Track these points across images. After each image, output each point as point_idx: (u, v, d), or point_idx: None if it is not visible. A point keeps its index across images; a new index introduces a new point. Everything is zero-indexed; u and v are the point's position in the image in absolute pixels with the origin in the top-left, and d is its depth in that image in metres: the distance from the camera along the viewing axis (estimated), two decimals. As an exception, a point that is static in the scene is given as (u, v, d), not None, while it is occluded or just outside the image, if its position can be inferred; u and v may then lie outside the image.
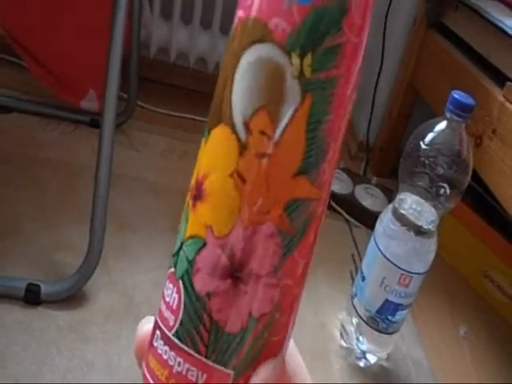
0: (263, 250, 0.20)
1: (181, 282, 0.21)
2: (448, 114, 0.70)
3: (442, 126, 0.72)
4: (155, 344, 0.22)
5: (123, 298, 0.82)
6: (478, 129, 0.90)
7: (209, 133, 0.21)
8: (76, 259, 0.80)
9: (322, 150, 0.20)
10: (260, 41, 0.19)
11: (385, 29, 1.25)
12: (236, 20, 0.20)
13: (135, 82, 1.24)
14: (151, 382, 0.22)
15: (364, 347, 0.83)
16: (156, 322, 0.22)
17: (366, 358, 0.83)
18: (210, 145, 0.20)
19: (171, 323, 0.21)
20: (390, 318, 0.79)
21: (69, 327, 0.76)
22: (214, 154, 0.20)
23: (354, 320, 0.83)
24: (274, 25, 0.18)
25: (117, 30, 0.78)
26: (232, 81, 0.20)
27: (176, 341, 0.21)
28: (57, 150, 1.11)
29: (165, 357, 0.21)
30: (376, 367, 0.83)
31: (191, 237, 0.21)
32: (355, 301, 0.83)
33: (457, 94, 0.70)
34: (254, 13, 0.19)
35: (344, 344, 0.85)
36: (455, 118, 0.70)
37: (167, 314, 0.21)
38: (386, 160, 1.35)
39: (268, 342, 0.21)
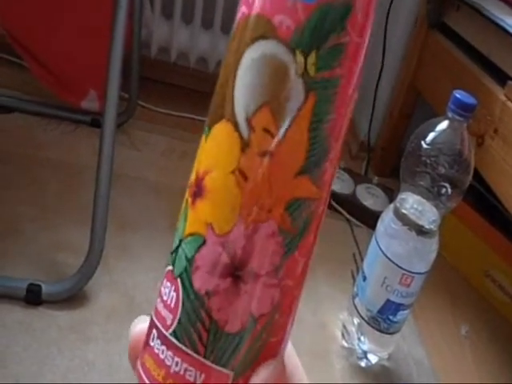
0: (264, 248, 0.19)
1: (179, 280, 0.20)
2: (450, 114, 0.70)
3: (443, 125, 0.72)
4: (151, 343, 0.21)
5: (124, 298, 0.82)
6: (479, 128, 0.90)
7: (209, 129, 0.20)
8: (77, 259, 0.80)
9: (324, 150, 0.19)
10: (264, 37, 0.19)
11: (386, 28, 1.25)
12: (238, 16, 0.20)
13: (136, 82, 1.24)
14: (147, 382, 0.21)
15: (365, 347, 0.83)
16: (152, 321, 0.22)
17: (367, 358, 0.83)
18: (210, 141, 0.20)
19: (169, 322, 0.21)
20: (391, 317, 0.79)
21: (70, 327, 0.76)
22: (215, 150, 0.20)
23: (356, 320, 0.83)
24: (278, 21, 0.18)
25: (118, 30, 0.78)
26: (234, 77, 0.19)
27: (174, 340, 0.20)
28: (57, 150, 1.11)
29: (162, 356, 0.21)
30: (377, 367, 0.83)
31: (190, 234, 0.20)
32: (356, 301, 0.83)
33: (458, 94, 0.69)
34: (257, 9, 0.19)
35: (345, 344, 0.85)
36: (457, 117, 0.70)
37: (165, 312, 0.21)
38: (387, 160, 1.35)
39: (267, 343, 0.21)
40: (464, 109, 0.69)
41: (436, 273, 0.80)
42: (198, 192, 0.20)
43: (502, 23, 0.89)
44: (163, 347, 0.21)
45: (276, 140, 0.19)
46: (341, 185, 1.19)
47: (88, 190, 0.81)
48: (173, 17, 1.31)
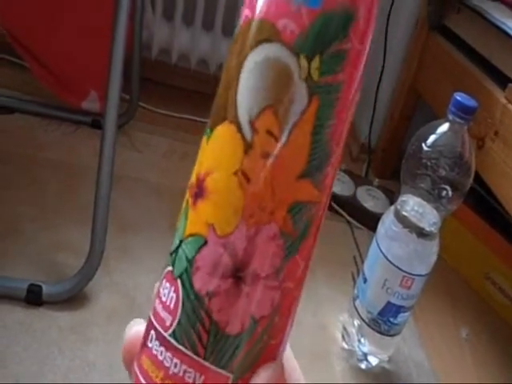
0: (265, 250, 0.19)
1: (179, 280, 0.20)
2: (450, 116, 0.70)
3: (444, 127, 0.72)
4: (150, 344, 0.21)
5: (125, 299, 0.82)
6: (480, 131, 0.90)
7: (211, 131, 0.20)
8: (77, 260, 0.80)
9: (326, 154, 0.20)
10: (268, 40, 0.19)
11: (387, 31, 1.25)
12: (242, 19, 0.20)
13: (137, 83, 1.24)
14: (144, 383, 0.21)
15: (365, 349, 0.83)
16: (150, 322, 0.22)
17: (367, 360, 0.83)
18: (212, 143, 0.20)
19: (168, 323, 0.20)
20: (391, 319, 0.79)
21: (70, 328, 0.76)
22: (218, 151, 0.20)
23: (356, 322, 0.83)
24: (282, 25, 0.18)
25: (119, 31, 0.78)
26: (237, 79, 0.19)
27: (173, 341, 0.20)
28: (58, 151, 1.11)
29: (160, 358, 0.21)
30: (377, 369, 0.83)
31: (191, 235, 0.20)
32: (357, 302, 0.83)
33: (459, 96, 0.69)
34: (261, 13, 0.19)
35: (345, 346, 0.85)
36: (457, 120, 0.70)
37: (164, 314, 0.21)
38: (388, 162, 1.35)
39: (267, 345, 0.20)
40: (465, 111, 0.69)
41: (436, 275, 0.80)
42: (199, 193, 0.20)
43: (502, 26, 0.89)
44: (162, 348, 0.20)
45: (279, 143, 0.19)
46: (341, 187, 1.19)
47: (88, 190, 0.81)
48: (174, 18, 1.31)
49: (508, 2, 0.99)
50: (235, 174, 0.19)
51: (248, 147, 0.19)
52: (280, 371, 0.21)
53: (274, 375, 0.21)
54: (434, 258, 0.76)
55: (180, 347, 0.20)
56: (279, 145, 0.19)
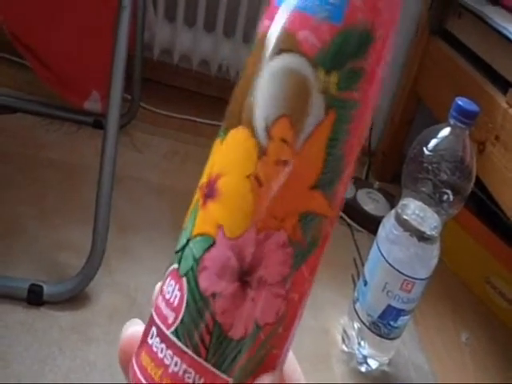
0: (274, 257, 0.19)
1: (184, 279, 0.20)
2: (452, 121, 0.70)
3: (445, 132, 0.72)
4: (150, 341, 0.21)
5: (126, 299, 0.82)
6: (481, 135, 0.90)
7: (225, 133, 0.20)
8: (79, 260, 0.80)
9: (339, 169, 0.20)
10: (288, 50, 0.19)
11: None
12: (261, 28, 0.20)
13: (138, 84, 1.24)
14: (142, 380, 0.21)
15: (365, 352, 0.83)
16: (152, 319, 0.21)
17: (367, 363, 0.83)
18: (226, 145, 0.20)
19: (170, 321, 0.20)
20: (391, 323, 0.79)
21: (71, 328, 0.76)
22: (231, 154, 0.20)
23: (356, 325, 0.83)
24: (302, 37, 0.19)
25: (121, 32, 0.78)
26: (255, 85, 0.20)
27: (174, 339, 0.20)
28: (60, 151, 1.11)
29: (160, 355, 0.20)
30: (377, 372, 0.83)
31: (200, 234, 0.20)
32: (357, 306, 0.83)
33: (461, 101, 0.70)
34: (282, 23, 0.19)
35: (345, 349, 0.85)
36: (459, 124, 0.70)
37: (167, 311, 0.21)
38: (388, 165, 1.35)
39: (269, 354, 0.20)
40: (466, 116, 0.69)
41: (437, 279, 0.81)
42: (210, 193, 0.20)
43: (504, 31, 0.90)
44: (162, 345, 0.20)
45: (293, 151, 0.19)
46: (342, 189, 1.19)
47: (90, 190, 0.81)
48: (175, 19, 1.32)
49: (509, 7, 0.99)
50: (248, 177, 0.19)
51: (262, 153, 0.19)
52: (279, 381, 0.21)
53: (275, 382, 0.20)
54: (434, 261, 0.76)
55: (181, 346, 0.20)
56: (293, 153, 0.19)
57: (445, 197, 0.72)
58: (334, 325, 0.89)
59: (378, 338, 0.80)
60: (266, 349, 0.20)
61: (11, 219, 0.91)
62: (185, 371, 0.20)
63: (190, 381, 0.20)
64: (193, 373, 0.20)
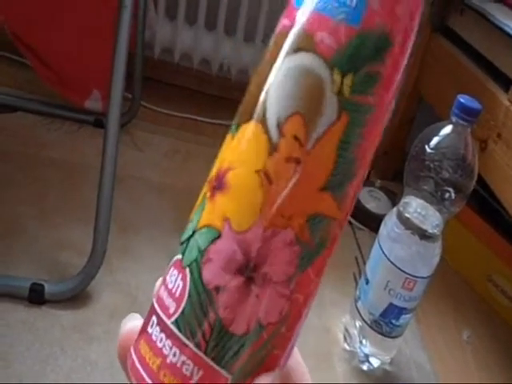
0: (280, 255, 0.19)
1: (188, 269, 0.20)
2: (453, 118, 0.70)
3: (447, 129, 0.72)
4: (149, 330, 0.21)
5: (127, 298, 0.82)
6: (483, 133, 0.90)
7: (237, 128, 0.20)
8: (80, 259, 0.80)
9: (350, 172, 0.20)
10: (304, 50, 0.19)
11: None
12: (280, 27, 0.20)
13: (139, 82, 1.24)
14: (140, 369, 0.20)
15: (367, 351, 0.83)
16: (153, 308, 0.21)
17: (369, 362, 0.83)
18: (237, 140, 0.20)
19: (171, 310, 0.20)
20: (393, 321, 0.79)
21: (73, 327, 0.76)
22: (242, 149, 0.20)
23: (358, 323, 0.83)
24: (319, 38, 0.19)
25: (122, 30, 0.78)
26: (270, 81, 0.20)
27: (175, 329, 0.20)
28: (60, 150, 1.11)
29: (159, 345, 0.20)
30: (379, 371, 0.83)
31: (206, 225, 0.20)
32: (359, 304, 0.83)
33: (463, 98, 0.69)
34: (300, 23, 0.20)
35: (347, 347, 0.85)
36: (461, 122, 0.70)
37: (168, 301, 0.20)
38: (390, 163, 1.35)
39: (270, 354, 0.20)
40: (468, 113, 0.69)
41: (439, 277, 0.80)
42: (219, 186, 0.20)
43: (506, 28, 0.89)
44: (162, 335, 0.20)
45: (305, 150, 0.19)
46: (343, 187, 1.19)
47: (91, 189, 0.81)
48: (176, 18, 1.31)
49: (511, 4, 0.99)
50: (257, 172, 0.19)
51: (273, 149, 0.19)
52: (279, 381, 0.21)
53: (276, 382, 0.20)
54: (436, 260, 0.76)
55: (181, 337, 0.20)
56: (304, 152, 0.19)
57: (447, 195, 0.72)
58: (336, 323, 0.89)
59: (379, 336, 0.80)
60: (268, 349, 0.20)
61: (12, 218, 0.91)
62: (183, 362, 0.20)
63: (188, 373, 0.20)
64: (191, 365, 0.20)
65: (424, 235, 0.74)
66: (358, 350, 0.84)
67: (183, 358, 0.20)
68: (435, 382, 0.86)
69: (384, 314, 0.78)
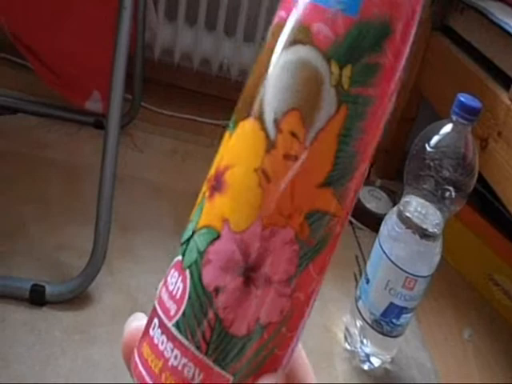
0: (279, 254, 0.19)
1: (188, 271, 0.20)
2: (454, 117, 0.70)
3: (447, 128, 0.72)
4: (151, 332, 0.21)
5: (128, 299, 0.82)
6: (483, 131, 0.89)
7: (235, 126, 0.20)
8: (80, 260, 0.80)
9: (351, 167, 0.19)
10: (301, 42, 0.19)
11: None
12: (276, 19, 0.20)
13: (139, 83, 1.24)
14: (143, 371, 0.20)
15: (368, 350, 0.83)
16: (155, 310, 0.21)
17: (369, 361, 0.83)
18: (235, 137, 0.20)
19: (172, 313, 0.20)
20: (394, 321, 0.78)
21: (73, 328, 0.76)
22: (239, 147, 0.20)
23: (358, 323, 0.83)
24: (316, 29, 0.18)
25: (122, 31, 0.78)
26: (266, 77, 0.19)
27: (175, 332, 0.20)
28: (61, 151, 1.11)
29: (161, 347, 0.20)
30: (380, 370, 0.83)
31: (205, 226, 0.20)
32: (359, 303, 0.82)
33: (463, 97, 0.69)
34: (297, 15, 0.19)
35: (348, 347, 0.85)
36: (461, 120, 0.69)
37: (169, 303, 0.20)
38: (391, 162, 1.35)
39: (272, 354, 0.20)
40: (468, 112, 0.69)
41: (439, 276, 0.80)
42: (217, 186, 0.20)
43: (506, 27, 0.89)
44: (163, 337, 0.20)
45: (303, 146, 0.19)
46: (344, 187, 1.19)
47: (92, 190, 0.81)
48: (176, 19, 1.32)
49: (511, 2, 0.99)
50: (255, 171, 0.19)
51: (271, 146, 0.19)
52: (282, 382, 0.20)
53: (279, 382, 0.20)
54: (437, 259, 0.75)
55: (182, 339, 0.20)
56: (303, 148, 0.19)
57: (447, 194, 0.72)
58: (337, 323, 0.89)
59: (380, 335, 0.80)
60: (269, 349, 0.20)
61: (12, 219, 0.91)
62: (184, 365, 0.19)
63: (190, 375, 0.19)
64: (192, 367, 0.19)
65: (424, 234, 0.74)
66: (359, 350, 0.83)
67: (184, 360, 0.19)
68: (436, 382, 0.86)
69: (385, 314, 0.78)
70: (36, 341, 0.72)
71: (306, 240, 0.19)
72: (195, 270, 0.20)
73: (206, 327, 0.19)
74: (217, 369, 0.19)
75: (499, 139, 0.86)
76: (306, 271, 0.20)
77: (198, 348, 0.19)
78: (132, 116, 1.24)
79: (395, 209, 0.78)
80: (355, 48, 0.18)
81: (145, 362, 0.20)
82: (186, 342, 0.19)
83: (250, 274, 0.19)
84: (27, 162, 1.05)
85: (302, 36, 0.19)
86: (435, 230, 0.74)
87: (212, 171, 0.20)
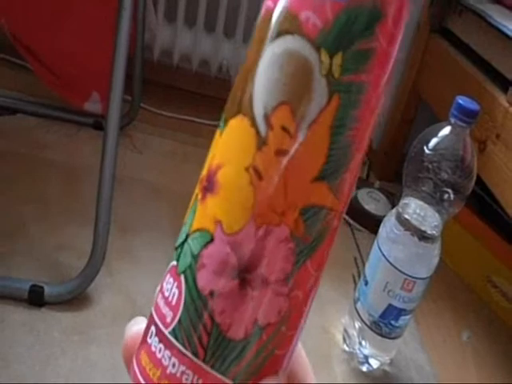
0: (275, 253, 0.18)
1: (182, 276, 0.19)
2: (452, 120, 0.70)
3: (446, 131, 0.72)
4: (149, 340, 0.20)
5: (126, 300, 0.82)
6: (481, 134, 0.90)
7: (225, 123, 0.20)
8: (79, 261, 0.80)
9: (345, 158, 0.19)
10: (289, 32, 0.18)
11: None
12: (263, 9, 0.19)
13: (139, 85, 1.24)
14: (141, 381, 0.20)
15: (367, 352, 0.83)
16: (151, 317, 0.21)
17: (368, 363, 0.83)
18: (225, 135, 0.19)
19: (168, 320, 0.20)
20: (393, 322, 0.79)
21: (72, 328, 0.76)
22: (230, 145, 0.19)
23: (357, 324, 0.83)
24: (304, 18, 0.18)
25: (122, 32, 0.78)
26: (255, 71, 0.19)
27: (172, 339, 0.19)
28: (60, 152, 1.11)
29: (159, 355, 0.20)
30: (379, 372, 0.83)
31: (198, 230, 0.19)
32: (358, 305, 0.83)
33: (461, 100, 0.70)
34: (283, 3, 0.18)
35: (346, 348, 0.85)
36: (459, 123, 0.70)
37: (165, 309, 0.20)
38: (389, 164, 1.35)
39: (272, 355, 0.20)
40: (467, 115, 0.69)
41: (438, 278, 0.80)
42: (209, 187, 0.19)
43: (504, 29, 0.89)
44: (161, 345, 0.20)
45: (295, 140, 0.18)
46: (342, 189, 1.19)
47: (91, 191, 0.81)
48: (176, 20, 1.32)
49: (509, 5, 0.99)
50: (247, 169, 0.18)
51: (262, 143, 0.18)
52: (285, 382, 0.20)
53: None
54: (435, 260, 0.76)
55: (179, 346, 0.19)
56: (294, 143, 0.18)
57: (445, 196, 0.72)
58: (335, 324, 0.89)
59: (379, 337, 0.80)
60: (268, 350, 0.19)
61: (12, 220, 0.91)
62: (182, 373, 0.19)
63: (188, 383, 0.19)
64: (191, 374, 0.19)
65: (423, 236, 0.74)
66: (358, 351, 0.84)
67: (182, 367, 0.19)
68: (435, 383, 0.86)
69: (383, 315, 0.78)
70: (35, 341, 0.72)
71: (302, 237, 0.19)
72: (190, 274, 0.19)
73: (202, 333, 0.19)
74: (216, 374, 0.19)
75: (497, 141, 0.86)
76: (303, 268, 0.19)
77: (196, 354, 0.19)
78: (131, 117, 1.24)
79: (394, 211, 0.79)
80: (345, 34, 0.17)
81: (143, 371, 0.20)
82: (183, 349, 0.19)
83: (245, 275, 0.18)
84: (27, 162, 1.05)
85: (289, 25, 0.18)
86: (434, 232, 0.74)
87: (204, 172, 0.20)
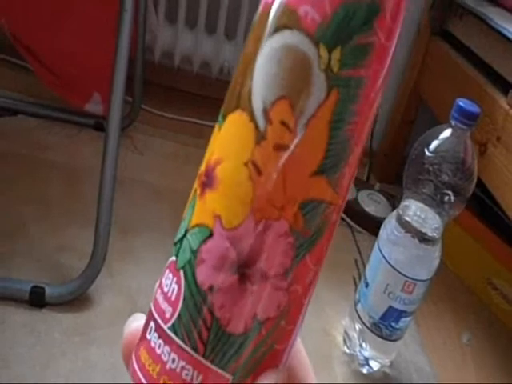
0: (274, 248, 0.19)
1: (182, 272, 0.19)
2: (453, 122, 0.70)
3: (446, 133, 0.72)
4: (148, 336, 0.20)
5: (127, 301, 0.82)
6: (482, 136, 0.90)
7: (223, 118, 0.20)
8: (80, 262, 0.80)
9: (344, 152, 0.19)
10: (287, 27, 0.18)
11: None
12: (262, 4, 0.19)
13: (140, 86, 1.25)
14: (141, 377, 0.20)
15: (367, 354, 0.83)
16: (151, 313, 0.21)
17: (368, 365, 0.83)
18: (224, 130, 0.19)
19: (168, 315, 0.20)
20: (393, 324, 0.79)
21: (73, 329, 0.76)
22: (229, 140, 0.19)
23: (357, 326, 0.83)
24: (303, 12, 0.18)
25: (123, 34, 0.78)
26: (254, 66, 0.19)
27: (172, 335, 0.19)
28: (61, 153, 1.11)
29: (158, 351, 0.20)
30: (379, 374, 0.83)
31: (197, 225, 0.19)
32: (358, 307, 0.83)
33: (462, 102, 0.70)
34: None
35: (347, 350, 0.85)
36: (460, 125, 0.70)
37: (164, 305, 0.20)
38: (390, 166, 1.35)
39: (271, 350, 0.20)
40: (467, 117, 0.69)
41: (438, 280, 0.81)
42: (208, 182, 0.19)
43: (505, 32, 0.90)
44: (160, 341, 0.20)
45: (293, 135, 0.18)
46: (343, 191, 1.19)
47: (92, 192, 0.82)
48: (177, 21, 1.32)
49: (510, 8, 0.99)
50: (245, 164, 0.18)
51: (260, 137, 0.18)
52: (282, 381, 0.20)
53: (279, 380, 0.20)
54: (435, 263, 0.76)
55: (179, 342, 0.19)
56: (293, 137, 0.18)
57: (446, 198, 0.72)
58: (335, 326, 0.89)
59: (379, 339, 0.80)
60: (268, 345, 0.19)
61: (13, 221, 0.91)
62: (182, 368, 0.19)
63: (188, 378, 0.19)
64: (191, 369, 0.19)
65: (423, 238, 0.74)
66: (358, 353, 0.84)
67: (182, 363, 0.19)
68: (435, 385, 0.86)
69: (384, 317, 0.79)
70: (36, 342, 0.72)
71: (301, 231, 0.19)
72: (189, 270, 0.19)
73: (202, 328, 0.19)
74: (215, 369, 0.19)
75: (498, 144, 0.86)
76: (302, 263, 0.19)
77: (195, 349, 0.19)
78: (132, 118, 1.24)
79: (394, 213, 0.79)
80: (343, 29, 0.17)
81: (142, 367, 0.20)
82: (182, 345, 0.19)
83: (244, 270, 0.18)
84: (27, 163, 1.05)
85: (288, 20, 0.18)
86: (434, 234, 0.75)
87: (202, 167, 0.20)
